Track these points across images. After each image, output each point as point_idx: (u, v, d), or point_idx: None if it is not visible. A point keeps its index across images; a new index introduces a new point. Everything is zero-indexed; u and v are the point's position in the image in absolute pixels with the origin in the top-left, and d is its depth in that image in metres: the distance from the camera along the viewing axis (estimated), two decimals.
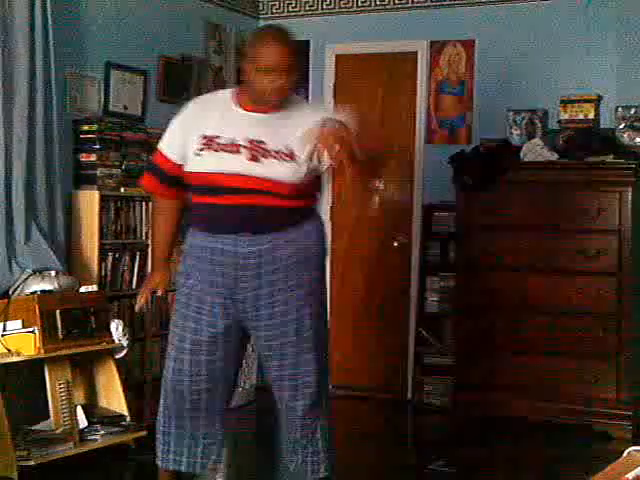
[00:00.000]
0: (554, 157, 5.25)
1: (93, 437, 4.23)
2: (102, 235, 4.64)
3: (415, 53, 5.95)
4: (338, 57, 6.16)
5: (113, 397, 4.48)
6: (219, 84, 5.71)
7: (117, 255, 4.76)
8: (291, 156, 2.99)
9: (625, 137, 5.32)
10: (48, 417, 4.11)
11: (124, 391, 4.45)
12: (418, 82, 5.94)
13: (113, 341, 4.39)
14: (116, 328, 4.40)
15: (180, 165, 3.15)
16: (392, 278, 6.01)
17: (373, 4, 6.07)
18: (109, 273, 4.70)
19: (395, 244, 5.98)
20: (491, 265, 5.32)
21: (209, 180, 3.05)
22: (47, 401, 4.09)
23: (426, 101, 5.93)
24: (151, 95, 5.33)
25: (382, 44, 6.01)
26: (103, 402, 4.52)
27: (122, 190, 4.79)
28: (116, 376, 4.45)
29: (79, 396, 4.41)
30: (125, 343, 4.44)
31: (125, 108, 5.12)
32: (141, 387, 4.89)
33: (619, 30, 5.43)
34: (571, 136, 5.30)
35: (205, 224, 3.12)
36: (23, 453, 3.87)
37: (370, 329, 6.02)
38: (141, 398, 4.87)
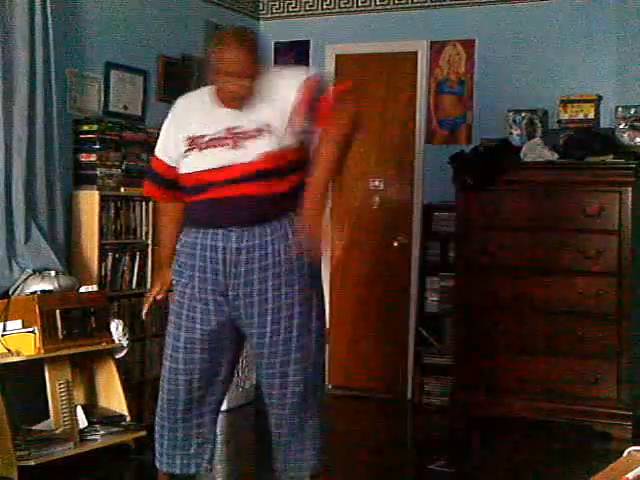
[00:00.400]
0: (554, 157, 5.25)
1: (93, 437, 4.23)
2: (102, 235, 4.64)
3: (415, 53, 5.95)
4: (338, 57, 6.15)
5: (113, 397, 4.48)
6: None
7: (117, 255, 4.76)
8: (268, 129, 3.00)
9: (625, 137, 5.32)
10: (48, 417, 4.11)
11: (124, 391, 4.45)
12: (418, 82, 5.94)
13: (113, 341, 4.39)
14: (116, 328, 4.40)
15: (174, 167, 3.20)
16: (392, 278, 6.01)
17: (373, 4, 6.07)
18: (109, 273, 4.70)
19: (395, 244, 5.98)
20: (491, 265, 5.32)
21: (198, 179, 3.09)
22: (47, 401, 4.09)
23: (426, 101, 5.93)
24: (151, 95, 5.34)
25: (382, 44, 6.01)
26: (103, 402, 4.52)
27: (122, 190, 4.79)
28: (116, 376, 4.45)
29: (79, 396, 4.41)
30: (125, 343, 4.44)
31: (125, 108, 5.12)
32: (141, 387, 4.89)
33: (619, 30, 5.43)
34: (571, 136, 5.30)
35: (196, 220, 3.14)
36: (23, 453, 3.87)
37: (370, 329, 6.02)
38: (141, 398, 4.87)
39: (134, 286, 4.85)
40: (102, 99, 4.96)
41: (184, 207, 3.25)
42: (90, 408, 4.41)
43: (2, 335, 3.99)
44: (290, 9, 6.30)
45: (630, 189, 5.04)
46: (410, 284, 5.92)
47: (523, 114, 5.54)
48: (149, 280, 4.88)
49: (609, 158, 5.12)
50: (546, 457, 4.67)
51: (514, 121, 5.56)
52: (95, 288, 4.45)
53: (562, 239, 5.17)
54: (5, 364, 3.94)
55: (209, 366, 3.16)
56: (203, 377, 3.17)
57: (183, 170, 3.14)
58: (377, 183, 6.03)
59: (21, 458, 3.84)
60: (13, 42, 4.26)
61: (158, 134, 3.32)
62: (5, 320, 4.01)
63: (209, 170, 3.05)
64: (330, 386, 5.84)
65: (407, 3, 5.98)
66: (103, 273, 4.65)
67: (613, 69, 5.44)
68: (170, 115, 3.25)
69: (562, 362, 5.14)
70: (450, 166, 5.44)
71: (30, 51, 4.31)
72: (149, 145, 4.93)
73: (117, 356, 4.46)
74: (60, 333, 4.10)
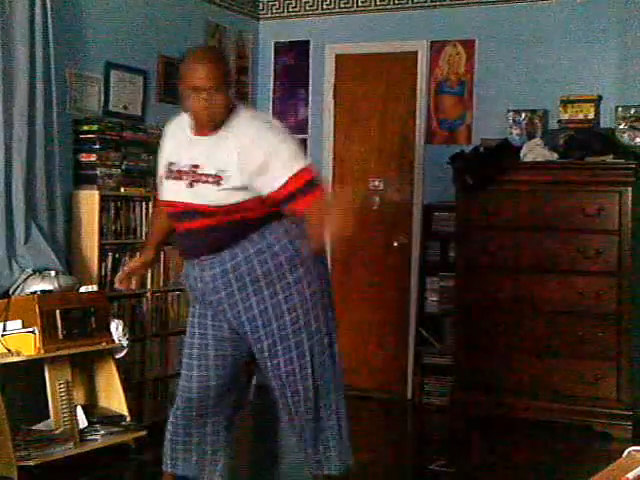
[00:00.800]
0: (554, 157, 5.25)
1: (93, 437, 4.24)
2: (102, 235, 4.64)
3: (415, 53, 5.94)
4: (338, 57, 6.15)
5: (113, 397, 4.48)
6: None
7: (117, 255, 4.75)
8: (219, 181, 2.98)
9: (625, 137, 5.32)
10: (48, 417, 4.11)
11: (124, 391, 4.45)
12: (418, 82, 5.94)
13: (113, 341, 4.39)
14: (116, 328, 4.40)
15: None
16: (392, 278, 6.01)
17: (373, 4, 6.07)
18: (109, 273, 4.70)
19: (395, 244, 5.98)
20: (491, 265, 5.32)
21: (169, 207, 3.18)
22: (47, 401, 4.09)
23: (426, 101, 5.93)
24: (151, 95, 5.34)
25: (382, 44, 6.01)
26: (103, 402, 4.52)
27: (122, 190, 4.79)
28: (116, 376, 4.45)
29: (79, 396, 4.41)
30: (125, 343, 4.44)
31: (125, 108, 5.12)
32: (141, 387, 4.89)
33: (619, 30, 5.43)
34: (571, 136, 5.30)
35: (180, 250, 3.27)
36: (23, 453, 3.88)
37: (370, 329, 6.02)
38: (141, 398, 4.87)
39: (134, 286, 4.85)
40: (102, 99, 4.96)
41: None
42: (90, 408, 4.41)
43: (2, 335, 3.99)
44: (290, 9, 6.29)
45: (630, 189, 5.04)
46: (410, 284, 5.92)
47: (523, 114, 5.54)
48: (149, 280, 4.88)
49: (609, 158, 5.12)
50: (546, 457, 4.67)
51: (514, 121, 5.56)
52: (95, 288, 4.45)
53: (562, 239, 5.17)
54: (5, 364, 3.94)
55: (222, 373, 3.21)
56: (216, 384, 3.21)
57: (160, 196, 3.26)
58: (377, 183, 6.03)
59: (21, 458, 3.85)
60: (13, 42, 4.26)
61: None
62: (5, 320, 4.01)
63: (173, 201, 3.13)
64: None
65: (407, 3, 5.97)
66: (103, 273, 4.65)
67: (613, 69, 5.44)
68: (162, 137, 3.29)
69: (562, 362, 5.14)
70: (450, 166, 5.43)
71: (30, 51, 4.31)
72: (149, 145, 4.94)
73: (117, 356, 4.46)
74: (60, 333, 4.10)
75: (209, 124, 3.01)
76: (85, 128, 4.72)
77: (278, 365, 3.14)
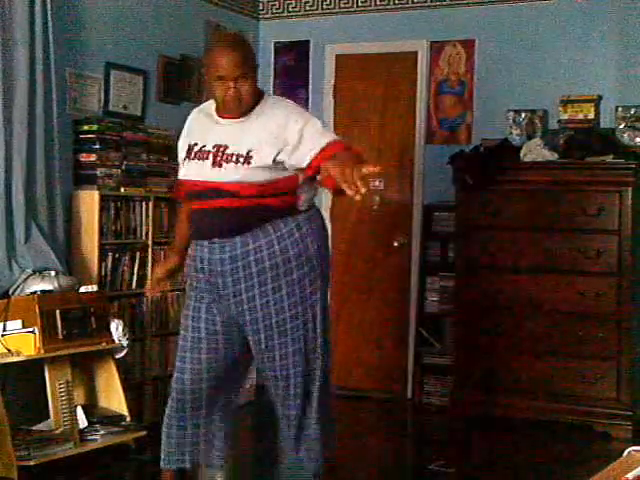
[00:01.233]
0: (554, 157, 5.25)
1: (93, 437, 4.23)
2: (102, 235, 4.64)
3: (415, 53, 5.94)
4: (338, 57, 6.15)
5: (113, 397, 4.48)
6: None
7: (117, 255, 4.76)
8: (248, 160, 3.02)
9: (625, 137, 5.32)
10: (48, 417, 4.11)
11: (124, 391, 4.45)
12: (418, 82, 5.94)
13: (113, 341, 4.39)
14: (116, 328, 4.40)
15: None
16: (392, 278, 6.01)
17: (373, 4, 6.07)
18: (109, 273, 4.70)
19: (395, 244, 5.98)
20: (491, 265, 5.32)
21: (188, 187, 3.19)
22: (47, 401, 4.09)
23: (426, 101, 5.93)
24: (151, 95, 5.33)
25: (382, 44, 6.01)
26: (103, 402, 4.52)
27: (122, 190, 4.79)
28: (116, 376, 4.45)
29: (79, 396, 4.41)
30: (125, 343, 4.44)
31: (125, 108, 5.12)
32: (141, 387, 4.90)
33: (619, 30, 5.43)
34: (571, 136, 5.30)
35: (192, 231, 3.25)
36: (23, 453, 3.88)
37: (370, 329, 6.02)
38: (141, 398, 4.87)
39: (134, 286, 4.85)
40: (102, 99, 4.96)
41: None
42: (90, 408, 4.41)
43: (2, 335, 3.99)
44: (290, 9, 6.29)
45: (630, 189, 5.04)
46: (410, 284, 5.92)
47: (523, 114, 5.54)
48: (149, 280, 4.88)
49: (609, 158, 5.12)
50: (546, 457, 4.67)
51: (514, 121, 5.56)
52: (95, 288, 4.45)
53: (562, 239, 5.17)
54: (5, 364, 3.94)
55: (215, 365, 3.24)
56: (209, 376, 3.24)
57: (179, 175, 3.26)
58: (377, 183, 6.02)
59: (21, 458, 3.84)
60: (13, 42, 4.26)
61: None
62: (5, 320, 4.01)
63: (195, 180, 3.14)
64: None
65: (407, 3, 5.98)
66: (103, 273, 4.66)
67: (613, 69, 5.44)
68: (185, 126, 3.33)
69: (562, 362, 5.13)
70: (450, 166, 5.43)
71: (30, 51, 4.31)
72: (149, 145, 4.95)
73: (117, 356, 4.46)
74: (60, 333, 4.10)
75: (238, 111, 3.06)
76: (85, 128, 4.72)
77: (273, 358, 3.17)
